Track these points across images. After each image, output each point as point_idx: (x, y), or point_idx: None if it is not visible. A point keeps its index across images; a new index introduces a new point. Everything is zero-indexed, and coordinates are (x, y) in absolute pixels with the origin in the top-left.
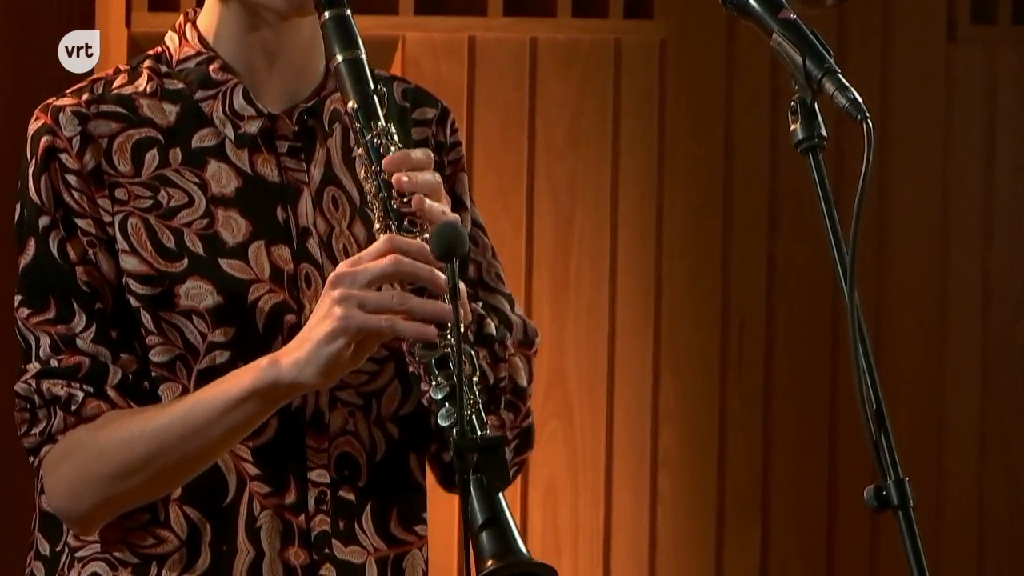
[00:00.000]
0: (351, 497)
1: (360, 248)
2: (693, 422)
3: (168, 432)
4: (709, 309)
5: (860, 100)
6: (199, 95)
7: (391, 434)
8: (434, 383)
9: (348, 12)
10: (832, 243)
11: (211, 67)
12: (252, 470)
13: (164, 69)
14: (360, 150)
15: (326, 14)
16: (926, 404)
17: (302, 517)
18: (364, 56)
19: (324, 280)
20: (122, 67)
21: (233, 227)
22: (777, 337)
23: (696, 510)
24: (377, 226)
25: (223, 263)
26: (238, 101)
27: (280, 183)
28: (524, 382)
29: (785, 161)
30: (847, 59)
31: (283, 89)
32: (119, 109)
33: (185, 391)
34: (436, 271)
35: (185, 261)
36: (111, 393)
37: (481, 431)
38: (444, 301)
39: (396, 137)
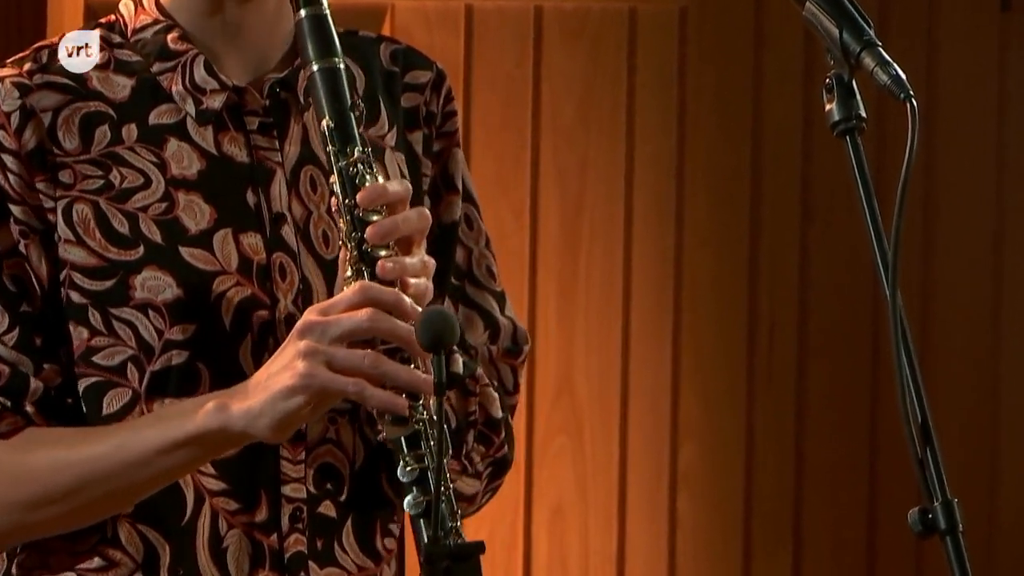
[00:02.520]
0: (331, 513)
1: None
2: (717, 437)
3: (96, 464)
4: (735, 310)
5: (903, 76)
6: (156, 68)
7: (370, 439)
8: (402, 463)
9: (327, 11)
10: (872, 237)
11: (169, 36)
12: (215, 485)
13: (117, 39)
14: (333, 178)
15: (302, 12)
16: (977, 417)
17: (274, 537)
18: (342, 64)
19: (301, 271)
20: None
21: (196, 213)
22: (811, 342)
23: (720, 535)
24: (349, 273)
25: (184, 252)
26: (199, 74)
27: (250, 164)
28: (498, 412)
29: (820, 145)
30: (889, 31)
31: (249, 59)
32: (65, 80)
33: (135, 396)
34: (414, 331)
35: (141, 249)
36: (29, 409)
37: (452, 522)
38: (419, 366)
39: (374, 165)
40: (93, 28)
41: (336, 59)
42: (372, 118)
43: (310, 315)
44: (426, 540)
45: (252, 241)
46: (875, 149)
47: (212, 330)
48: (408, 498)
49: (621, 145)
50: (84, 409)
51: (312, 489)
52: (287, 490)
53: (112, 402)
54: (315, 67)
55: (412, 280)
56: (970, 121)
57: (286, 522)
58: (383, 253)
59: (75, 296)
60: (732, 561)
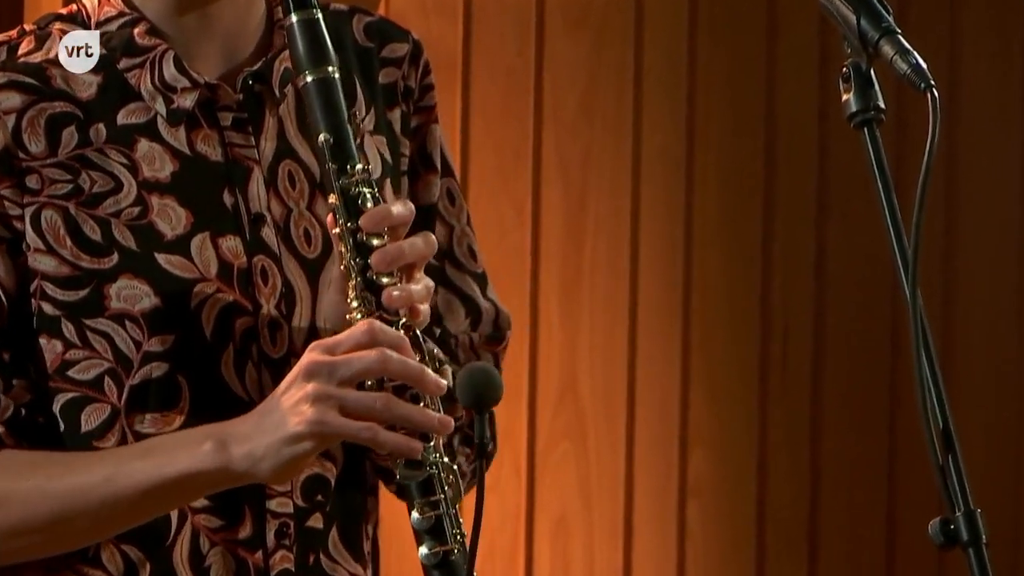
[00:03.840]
0: (319, 525)
1: (324, 231)
2: (728, 443)
3: (82, 497)
4: (747, 310)
5: (924, 65)
6: (123, 64)
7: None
8: (416, 510)
9: (319, 15)
10: (891, 233)
11: (136, 30)
12: (197, 502)
13: (80, 31)
14: (333, 198)
15: (293, 16)
16: (1002, 422)
17: (259, 554)
18: (337, 73)
19: (283, 273)
20: (27, 28)
21: (171, 217)
22: (827, 343)
23: (732, 546)
24: (355, 303)
25: (160, 259)
26: (169, 71)
27: (225, 162)
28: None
29: (836, 137)
30: (909, 17)
31: (220, 52)
32: (28, 79)
33: (114, 412)
34: (426, 369)
35: (115, 256)
36: (0, 430)
37: (468, 574)
38: (430, 404)
39: (374, 183)
40: (52, 20)
41: (331, 67)
42: (350, 100)
43: (315, 354)
44: None
45: (231, 244)
46: (894, 142)
47: (193, 340)
48: (423, 548)
49: (627, 137)
50: (61, 427)
51: (300, 502)
52: (272, 505)
53: (90, 419)
54: (308, 78)
55: (421, 307)
56: (994, 112)
57: (271, 538)
58: (386, 280)
59: (47, 307)
60: (744, 574)
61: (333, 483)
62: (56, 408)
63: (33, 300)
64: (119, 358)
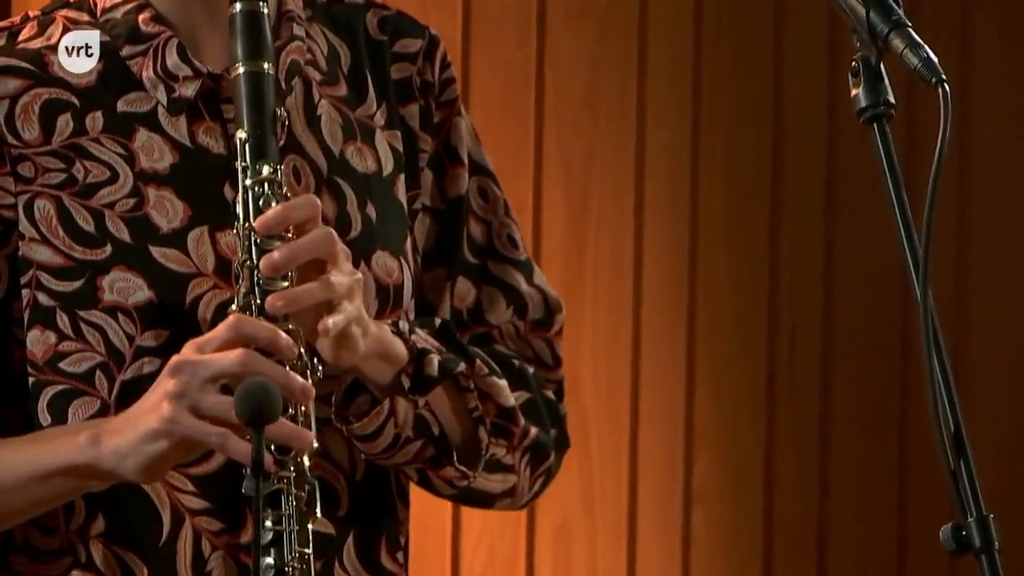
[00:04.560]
0: (328, 530)
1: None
2: (734, 447)
3: None
4: (754, 311)
5: (935, 59)
6: (126, 51)
7: None
8: (262, 522)
9: (264, 9)
10: (901, 232)
11: (141, 17)
12: (196, 503)
13: (86, 18)
14: (237, 196)
15: (237, 6)
16: (1015, 426)
17: None
18: (271, 70)
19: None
20: (31, 14)
21: (168, 210)
22: (836, 345)
23: (738, 553)
24: (233, 306)
25: (155, 252)
26: (172, 59)
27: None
28: (508, 401)
29: (845, 133)
30: (920, 10)
31: (224, 43)
32: (24, 64)
33: (104, 407)
34: (290, 373)
35: (108, 248)
36: None
37: None
38: (296, 419)
39: (283, 186)
40: (58, 7)
41: (265, 63)
42: (359, 97)
43: (186, 351)
44: None
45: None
46: (904, 137)
47: (187, 336)
48: (267, 560)
49: (631, 133)
50: (48, 420)
51: (303, 505)
52: None
53: (78, 412)
54: (240, 69)
55: (335, 307)
56: (1007, 106)
57: None
58: (283, 284)
59: (43, 298)
60: None
61: (343, 490)
62: (44, 402)
63: (28, 291)
64: (111, 352)
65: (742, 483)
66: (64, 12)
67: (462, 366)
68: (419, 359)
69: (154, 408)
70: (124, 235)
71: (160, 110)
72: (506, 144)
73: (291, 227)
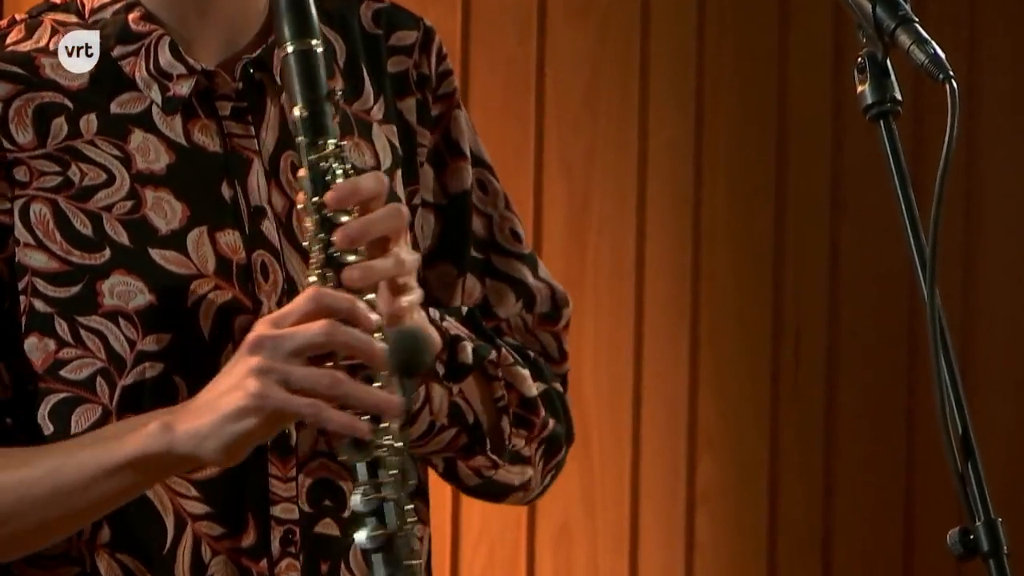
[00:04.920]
0: (334, 532)
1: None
2: (738, 449)
3: (29, 491)
4: (758, 312)
5: (942, 55)
6: (117, 52)
7: None
8: (359, 492)
9: None
10: (908, 230)
11: (131, 16)
12: (197, 508)
13: (74, 20)
14: (302, 171)
15: None
16: (1023, 428)
17: (264, 562)
18: (320, 47)
19: (285, 269)
20: (18, 17)
21: (166, 211)
22: (841, 346)
23: (742, 557)
24: (312, 278)
25: (155, 254)
26: (165, 57)
27: (223, 154)
28: (531, 391)
29: (851, 131)
30: (927, 4)
31: (219, 39)
32: (15, 68)
33: (106, 413)
34: (375, 342)
35: (107, 252)
36: None
37: (410, 560)
38: (383, 382)
39: (347, 160)
40: (45, 9)
41: (313, 40)
42: (355, 91)
43: (261, 327)
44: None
45: (230, 239)
46: (911, 135)
47: (189, 339)
48: (363, 531)
49: (632, 132)
50: (50, 429)
51: (306, 508)
52: (276, 511)
53: (81, 420)
54: (289, 48)
55: (401, 280)
56: (1015, 103)
57: (277, 546)
58: (351, 258)
59: (39, 304)
60: None
61: (350, 492)
62: (45, 410)
63: (24, 297)
64: (112, 357)
65: (746, 484)
66: (52, 15)
67: (493, 354)
68: (452, 345)
69: (237, 386)
70: (123, 238)
71: (155, 110)
72: (506, 143)
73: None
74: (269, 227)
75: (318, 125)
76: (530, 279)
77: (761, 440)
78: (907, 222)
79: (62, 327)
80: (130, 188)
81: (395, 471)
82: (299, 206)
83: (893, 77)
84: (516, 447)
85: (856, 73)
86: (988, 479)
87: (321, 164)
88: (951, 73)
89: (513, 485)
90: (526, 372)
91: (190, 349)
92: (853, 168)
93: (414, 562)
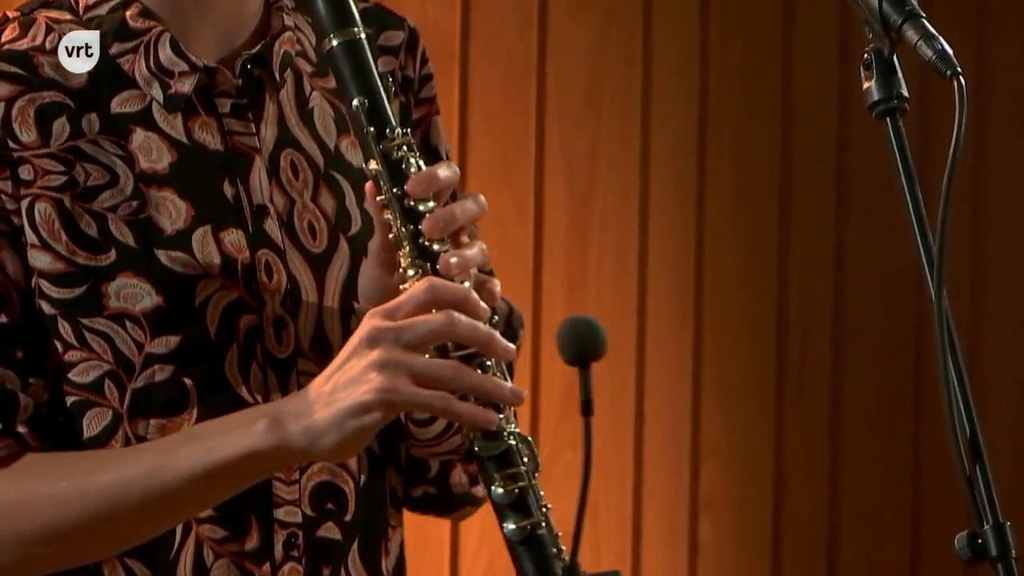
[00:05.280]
0: (336, 536)
1: (328, 224)
2: (742, 453)
3: (123, 492)
4: (763, 312)
5: (950, 51)
6: (116, 49)
7: (372, 448)
8: (497, 484)
9: None
10: (915, 230)
11: (128, 12)
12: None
13: (68, 17)
14: (374, 164)
15: None
16: None
17: (267, 566)
18: (363, 35)
19: (288, 269)
20: (10, 14)
21: (171, 210)
22: (847, 348)
23: (746, 563)
24: (410, 273)
25: (161, 255)
26: (165, 54)
27: (225, 151)
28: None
29: (857, 128)
30: (935, 0)
31: (216, 35)
32: (14, 68)
33: (116, 417)
34: (495, 333)
35: (113, 253)
36: (22, 430)
37: (555, 549)
38: (497, 374)
39: (415, 147)
40: (37, 7)
41: (356, 29)
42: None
43: (375, 320)
44: (535, 571)
45: (234, 238)
46: (918, 132)
47: (197, 340)
48: (508, 524)
49: (636, 129)
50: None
51: (309, 511)
52: (280, 514)
53: (92, 424)
54: (335, 42)
55: (485, 275)
56: None
57: (280, 550)
58: (437, 247)
59: (45, 306)
60: None
61: (351, 493)
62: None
63: (34, 298)
64: (120, 360)
65: (751, 488)
66: (45, 12)
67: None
68: (509, 313)
69: (360, 380)
70: (129, 239)
71: (155, 107)
72: (507, 139)
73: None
74: (272, 226)
75: (380, 114)
76: None
77: (766, 442)
78: (914, 221)
79: (66, 329)
80: (134, 188)
81: (527, 458)
82: (378, 199)
83: (900, 73)
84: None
85: (862, 69)
86: (996, 482)
87: (394, 154)
88: (959, 69)
89: (478, 497)
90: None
91: (197, 350)
92: (859, 166)
93: (561, 549)
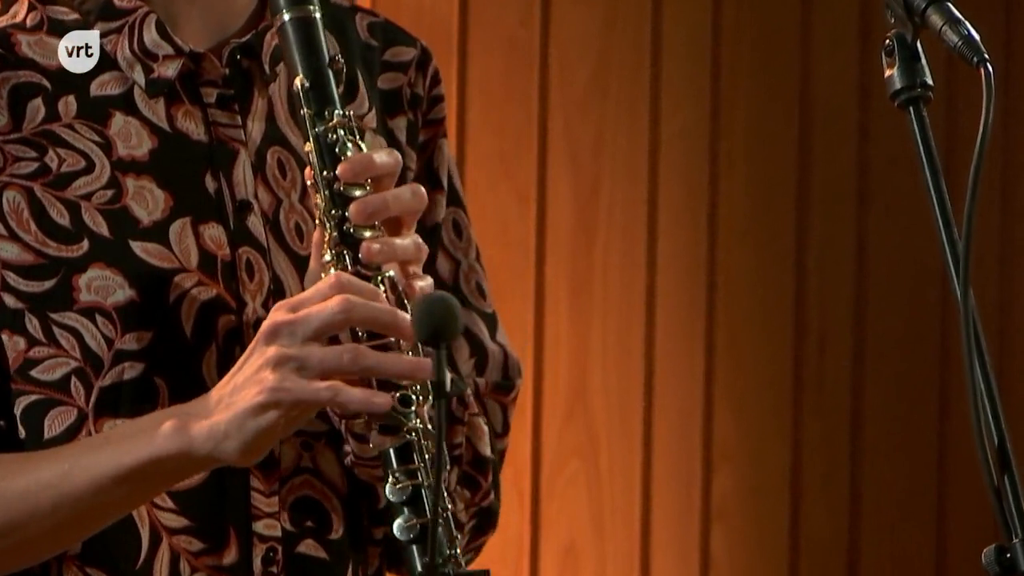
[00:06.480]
0: (320, 554)
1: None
2: (757, 462)
3: (32, 499)
4: (779, 313)
5: (977, 37)
6: (99, 28)
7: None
8: (392, 480)
9: None
10: (940, 226)
11: None
12: (175, 521)
13: None
14: (309, 145)
15: None
16: None
17: None
18: (319, 13)
19: (271, 268)
20: None
21: (148, 200)
22: (868, 351)
23: None
24: (327, 257)
25: (136, 247)
26: (150, 36)
27: (208, 143)
28: (486, 450)
29: (878, 117)
30: None
31: (206, 21)
32: None
33: (81, 416)
34: (398, 312)
35: (85, 244)
36: None
37: (451, 550)
38: (408, 354)
39: (357, 130)
40: None
41: (311, 7)
42: (350, 96)
43: (277, 314)
44: (420, 569)
45: (214, 233)
46: (943, 122)
47: (171, 338)
48: (399, 521)
49: (644, 119)
50: (23, 433)
51: (288, 526)
52: (259, 527)
53: (54, 424)
54: (286, 16)
55: (411, 268)
56: None
57: (259, 564)
58: (367, 234)
59: (9, 300)
60: None
61: (338, 508)
62: (18, 412)
63: None
64: (88, 357)
65: (766, 499)
66: None
67: (469, 393)
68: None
69: (254, 379)
70: (102, 229)
71: (137, 91)
72: (508, 130)
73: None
74: (255, 223)
75: (322, 95)
76: (487, 339)
77: (782, 452)
78: (939, 216)
79: (33, 324)
80: (110, 176)
81: (429, 455)
82: (308, 183)
83: (924, 60)
84: (455, 509)
85: (884, 56)
86: None
87: (330, 136)
88: (986, 56)
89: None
90: (486, 429)
91: (171, 349)
92: (881, 158)
93: (456, 552)
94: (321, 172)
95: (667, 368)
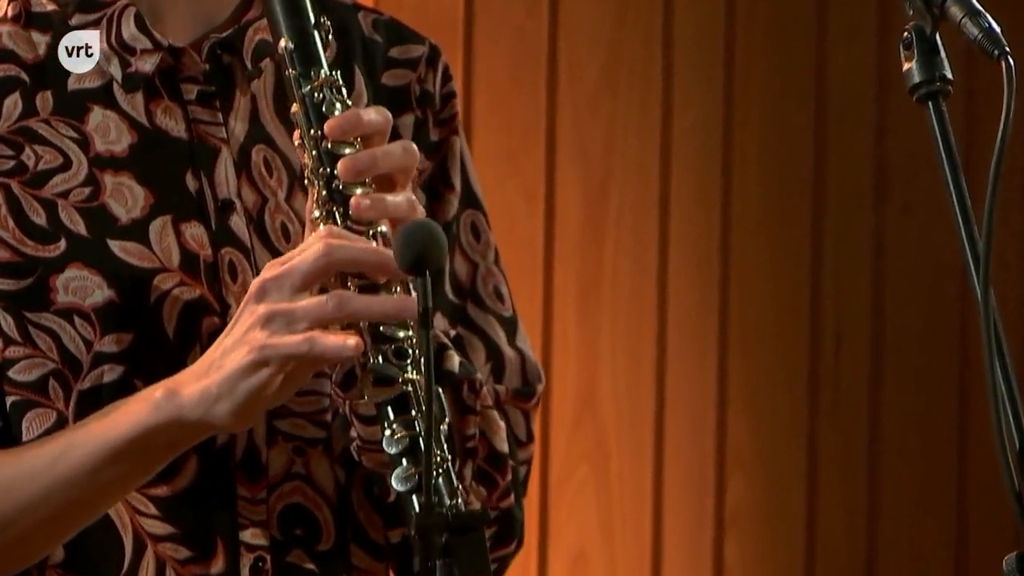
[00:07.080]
0: (309, 565)
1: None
2: (772, 468)
3: (30, 485)
4: (794, 314)
5: (998, 29)
6: (76, 20)
7: (339, 479)
8: (388, 432)
9: None
10: (960, 223)
11: None
12: (159, 528)
13: None
14: (296, 107)
15: None
16: None
17: None
18: None
19: (255, 270)
20: None
21: (127, 197)
22: (886, 353)
23: None
24: (316, 213)
25: (114, 246)
26: (129, 30)
27: (189, 140)
28: (503, 446)
29: (896, 112)
30: None
31: (190, 15)
32: None
33: (61, 419)
34: (383, 250)
35: (63, 243)
36: None
37: (452, 500)
38: (395, 291)
39: (343, 89)
40: None
41: None
42: (347, 87)
43: (266, 272)
44: (417, 510)
45: (195, 232)
46: (963, 117)
47: (152, 340)
48: (397, 471)
49: (656, 114)
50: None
51: (276, 535)
52: (246, 536)
53: (33, 425)
54: None
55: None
56: None
57: (247, 574)
58: (358, 191)
59: None
60: None
61: (329, 518)
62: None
63: None
64: (66, 359)
65: (780, 506)
66: None
67: (479, 378)
68: (440, 351)
69: (244, 339)
70: (80, 228)
71: (115, 85)
72: (515, 126)
73: (359, 137)
74: (238, 223)
75: (307, 55)
76: (504, 344)
77: (797, 457)
78: (958, 214)
79: (8, 323)
80: (88, 173)
81: (424, 406)
82: (296, 144)
83: (943, 53)
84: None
85: (902, 49)
86: None
87: (316, 95)
88: (1007, 49)
89: None
90: (502, 424)
91: (153, 350)
92: (899, 153)
93: (457, 502)
94: (308, 131)
95: (678, 370)
